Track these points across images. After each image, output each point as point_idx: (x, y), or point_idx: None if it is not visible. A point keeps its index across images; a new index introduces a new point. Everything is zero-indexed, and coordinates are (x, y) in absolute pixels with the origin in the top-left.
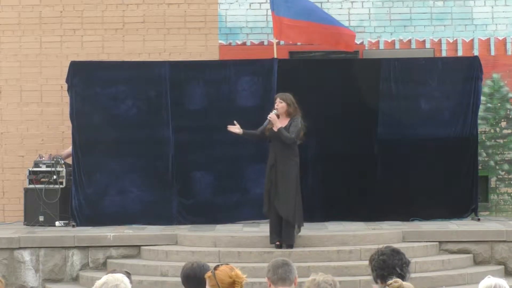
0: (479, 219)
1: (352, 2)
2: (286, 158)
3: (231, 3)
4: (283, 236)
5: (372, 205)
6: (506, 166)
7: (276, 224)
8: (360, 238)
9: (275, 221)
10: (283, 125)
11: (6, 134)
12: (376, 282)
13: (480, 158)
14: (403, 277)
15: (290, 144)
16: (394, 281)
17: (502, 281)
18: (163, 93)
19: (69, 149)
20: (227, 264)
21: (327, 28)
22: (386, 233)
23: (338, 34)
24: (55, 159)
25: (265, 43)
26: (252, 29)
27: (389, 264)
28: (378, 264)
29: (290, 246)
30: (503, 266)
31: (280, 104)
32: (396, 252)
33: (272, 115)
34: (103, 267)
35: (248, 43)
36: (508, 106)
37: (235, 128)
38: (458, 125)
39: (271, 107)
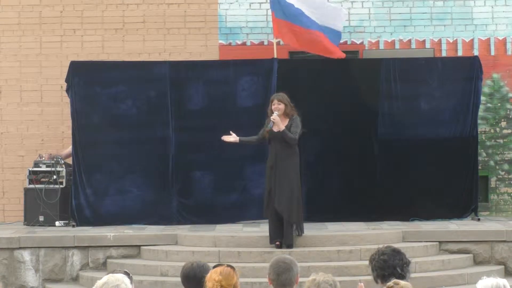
0: (479, 219)
1: (352, 2)
2: (286, 158)
3: (231, 3)
4: (284, 237)
5: (372, 205)
6: (506, 166)
7: (277, 225)
8: (360, 238)
9: (276, 222)
10: (284, 126)
11: (6, 134)
12: (377, 282)
13: (480, 158)
14: (403, 277)
15: (293, 144)
16: (394, 282)
17: (505, 281)
18: (163, 93)
19: (69, 149)
20: (223, 265)
21: (319, 36)
22: (386, 233)
23: (327, 42)
24: (55, 159)
25: (265, 43)
26: (252, 29)
27: (390, 264)
28: (379, 264)
29: (290, 246)
30: (503, 266)
31: (279, 106)
32: (396, 252)
33: (275, 117)
34: (103, 267)
35: (248, 43)
36: (508, 106)
37: (230, 138)
38: (458, 125)
39: None
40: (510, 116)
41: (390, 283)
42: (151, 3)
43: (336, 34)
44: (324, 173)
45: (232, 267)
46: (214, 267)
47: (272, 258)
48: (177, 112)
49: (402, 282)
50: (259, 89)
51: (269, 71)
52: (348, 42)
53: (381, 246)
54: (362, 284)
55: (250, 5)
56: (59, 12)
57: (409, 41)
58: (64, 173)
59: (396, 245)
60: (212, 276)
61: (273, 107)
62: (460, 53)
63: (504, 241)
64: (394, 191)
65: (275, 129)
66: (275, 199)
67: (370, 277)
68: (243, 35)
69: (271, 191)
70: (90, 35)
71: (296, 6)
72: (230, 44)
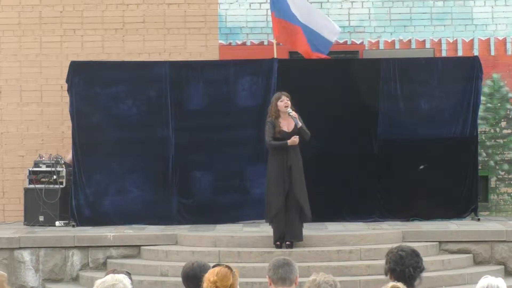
0: (479, 219)
1: (352, 2)
2: (299, 156)
3: (231, 3)
4: (295, 234)
5: (372, 205)
6: (506, 166)
7: (282, 226)
8: (360, 238)
9: (282, 222)
10: (291, 124)
11: (6, 134)
12: (386, 275)
13: (480, 158)
14: (413, 279)
15: (307, 139)
16: (392, 286)
17: (499, 280)
18: (163, 93)
19: (71, 154)
20: (222, 265)
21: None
22: (386, 233)
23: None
24: (55, 159)
25: (265, 43)
26: (252, 29)
27: (404, 262)
28: (395, 258)
29: (291, 245)
30: (503, 266)
31: (288, 102)
32: (415, 254)
33: (295, 113)
34: (103, 267)
35: (248, 43)
36: (508, 106)
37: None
38: (458, 125)
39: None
40: (510, 116)
41: (388, 286)
42: (151, 3)
43: (325, 43)
44: (324, 173)
45: (230, 268)
46: (213, 267)
47: (272, 258)
48: (177, 112)
49: (401, 286)
50: (259, 89)
51: (269, 71)
52: (348, 42)
53: (404, 244)
54: None
55: (250, 5)
56: (59, 12)
57: (409, 41)
58: (64, 173)
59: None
60: (208, 277)
61: (281, 103)
62: (460, 53)
63: (504, 241)
64: (394, 191)
65: (298, 124)
66: (298, 196)
67: (370, 277)
68: (243, 35)
69: (290, 191)
70: (90, 35)
71: (292, 10)
72: (230, 44)
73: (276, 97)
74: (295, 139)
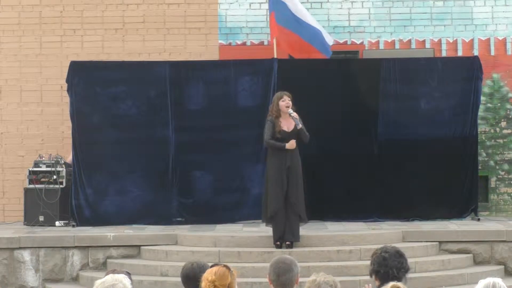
0: (479, 219)
1: (352, 2)
2: (297, 157)
3: (231, 3)
4: (294, 234)
5: (372, 205)
6: (506, 166)
7: (282, 225)
8: (360, 238)
9: (282, 222)
10: (292, 124)
11: (6, 134)
12: (371, 276)
13: (480, 158)
14: (398, 280)
15: (306, 141)
16: (392, 286)
17: (500, 280)
18: (163, 93)
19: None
20: (220, 265)
21: (308, 46)
22: (386, 233)
23: (316, 52)
24: (55, 159)
25: (265, 43)
26: (252, 29)
27: (387, 263)
28: (378, 259)
29: (291, 245)
30: (503, 266)
31: (289, 102)
32: (399, 255)
33: (296, 114)
34: (103, 267)
35: (248, 43)
36: (508, 106)
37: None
38: (458, 125)
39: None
40: (510, 116)
41: (388, 286)
42: (151, 3)
43: (325, 46)
44: (324, 173)
45: (228, 267)
46: (212, 266)
47: (272, 258)
48: (177, 112)
49: (401, 286)
50: (259, 89)
51: (269, 71)
52: (348, 42)
53: (388, 245)
54: (370, 285)
55: (250, 5)
56: (59, 12)
57: (409, 41)
58: (64, 173)
59: (396, 245)
60: (206, 276)
61: (283, 103)
62: (460, 53)
63: (504, 241)
64: (394, 191)
65: (299, 126)
66: (292, 198)
67: (369, 277)
68: (243, 35)
69: (286, 192)
70: (90, 35)
71: (293, 11)
72: (230, 44)
73: (278, 97)
74: (293, 143)
